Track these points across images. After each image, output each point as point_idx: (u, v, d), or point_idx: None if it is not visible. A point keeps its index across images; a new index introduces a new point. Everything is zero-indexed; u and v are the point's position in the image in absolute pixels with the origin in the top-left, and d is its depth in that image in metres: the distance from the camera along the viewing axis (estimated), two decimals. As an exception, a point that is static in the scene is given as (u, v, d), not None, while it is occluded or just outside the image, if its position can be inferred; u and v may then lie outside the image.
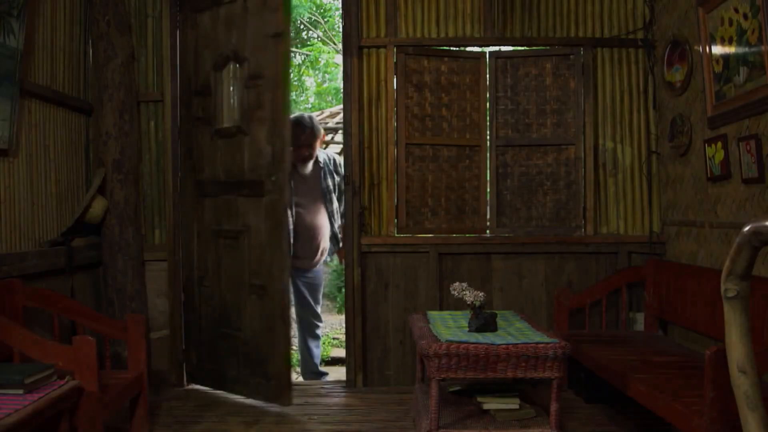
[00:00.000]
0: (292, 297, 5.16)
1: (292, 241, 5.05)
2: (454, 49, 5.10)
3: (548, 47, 5.07)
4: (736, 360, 1.80)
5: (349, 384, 4.95)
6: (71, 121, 4.47)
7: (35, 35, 3.97)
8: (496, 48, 5.22)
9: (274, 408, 4.39)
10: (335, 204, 5.50)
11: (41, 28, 4.08)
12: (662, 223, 4.95)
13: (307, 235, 5.38)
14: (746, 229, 1.77)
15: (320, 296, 5.73)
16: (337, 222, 5.50)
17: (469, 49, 5.15)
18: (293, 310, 5.36)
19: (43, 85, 4.10)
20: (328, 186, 5.44)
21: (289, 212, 4.61)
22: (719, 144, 4.00)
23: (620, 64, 5.04)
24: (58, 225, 4.29)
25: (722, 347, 1.85)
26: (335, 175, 5.51)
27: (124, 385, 3.55)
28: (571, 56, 5.04)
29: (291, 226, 5.04)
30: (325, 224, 5.49)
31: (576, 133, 5.03)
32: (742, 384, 1.77)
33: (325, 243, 5.53)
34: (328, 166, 5.49)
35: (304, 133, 5.20)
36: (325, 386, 5.05)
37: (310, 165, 5.34)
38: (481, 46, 5.17)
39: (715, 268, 4.07)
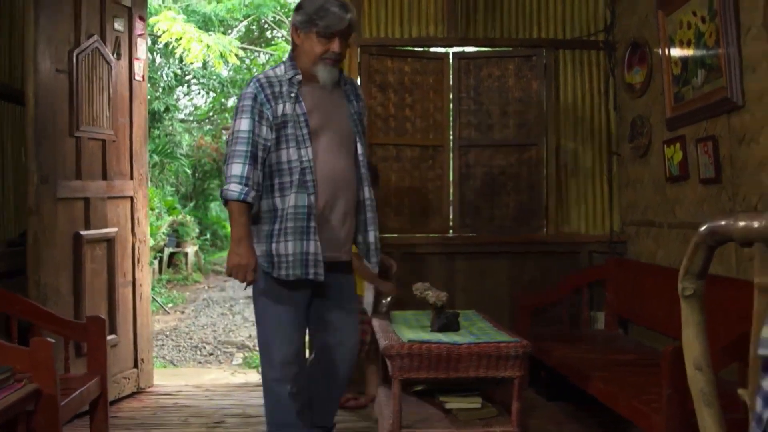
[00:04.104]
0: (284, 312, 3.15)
1: (295, 202, 3.02)
2: (418, 49, 5.12)
3: (511, 48, 5.10)
4: (692, 357, 1.82)
5: (312, 384, 4.92)
6: None
7: None
8: (460, 49, 5.24)
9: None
10: (363, 156, 3.26)
11: None
12: (622, 223, 5.01)
13: (333, 195, 3.12)
14: (702, 228, 1.80)
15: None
16: (368, 198, 3.26)
17: (432, 49, 5.18)
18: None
19: None
20: (359, 113, 3.28)
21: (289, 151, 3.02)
22: (678, 145, 4.06)
23: (582, 65, 5.09)
24: (16, 226, 4.22)
25: (679, 345, 1.88)
26: (360, 102, 3.34)
27: (84, 388, 3.50)
28: (534, 57, 5.09)
29: (296, 173, 3.02)
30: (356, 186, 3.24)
31: (538, 134, 5.08)
32: (698, 381, 1.80)
33: (353, 225, 3.26)
34: (351, 86, 3.35)
35: (343, 17, 3.04)
36: (288, 387, 5.01)
37: (335, 73, 3.14)
38: (444, 46, 5.19)
39: (673, 267, 4.12)
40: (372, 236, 3.25)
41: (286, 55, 3.20)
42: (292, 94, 3.05)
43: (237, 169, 2.95)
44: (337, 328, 3.28)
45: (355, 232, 3.26)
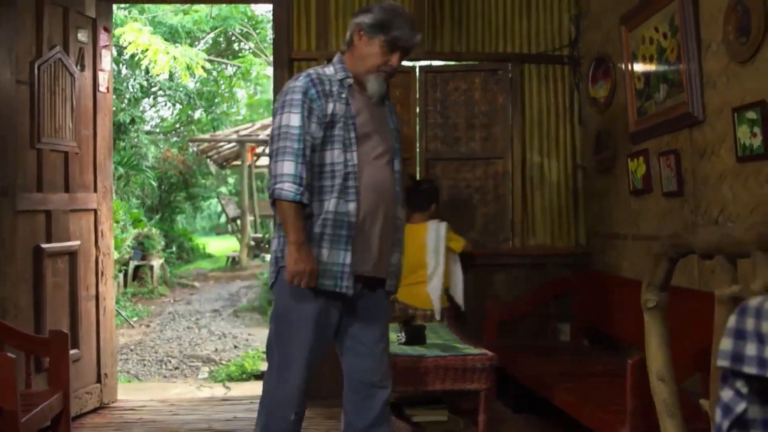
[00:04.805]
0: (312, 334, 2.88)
1: (335, 208, 2.82)
2: (385, 62, 5.12)
3: (477, 62, 5.14)
4: (655, 369, 1.85)
5: (278, 398, 4.88)
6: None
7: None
8: (427, 63, 5.27)
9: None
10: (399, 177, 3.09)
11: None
12: (588, 236, 5.06)
13: (375, 206, 2.91)
14: (664, 241, 1.83)
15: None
16: (400, 219, 3.10)
17: (399, 63, 5.18)
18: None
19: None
20: (397, 130, 3.15)
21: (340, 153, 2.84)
22: (641, 159, 4.11)
23: (547, 80, 5.13)
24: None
25: (644, 357, 1.90)
26: (396, 120, 3.21)
27: (46, 404, 3.43)
28: (500, 72, 5.13)
29: (340, 176, 2.83)
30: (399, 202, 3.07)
31: (504, 148, 5.11)
32: (661, 392, 1.82)
33: (391, 241, 3.02)
34: (389, 102, 3.19)
35: (414, 35, 2.94)
36: (255, 400, 4.96)
37: (384, 87, 3.01)
38: (411, 60, 5.20)
39: (638, 279, 4.16)
40: (395, 258, 3.03)
41: (335, 58, 3.01)
42: (343, 95, 2.88)
43: (289, 167, 2.74)
44: (368, 353, 2.99)
45: None
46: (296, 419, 2.91)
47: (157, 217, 14.89)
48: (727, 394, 1.23)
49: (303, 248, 2.73)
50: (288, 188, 2.72)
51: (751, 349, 1.16)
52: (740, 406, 1.20)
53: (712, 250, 1.68)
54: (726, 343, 1.20)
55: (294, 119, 2.78)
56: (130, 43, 10.15)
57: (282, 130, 2.79)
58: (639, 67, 4.10)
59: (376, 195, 2.89)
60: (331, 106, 2.83)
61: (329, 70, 2.94)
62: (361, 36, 2.92)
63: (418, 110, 5.15)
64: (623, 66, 4.28)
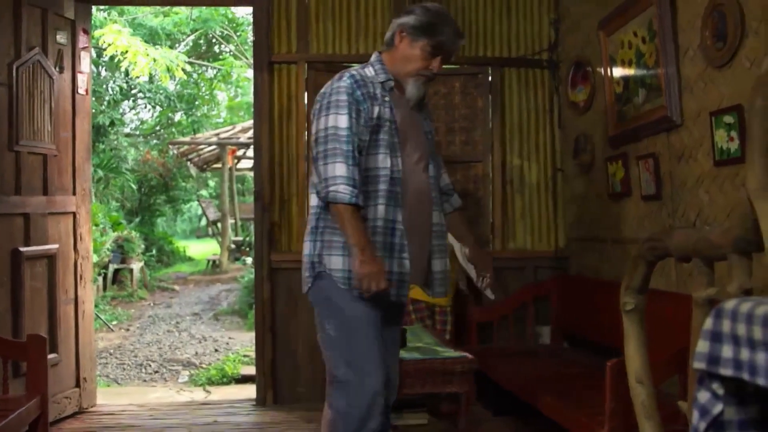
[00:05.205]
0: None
1: (384, 215, 2.74)
2: (365, 66, 5.14)
3: (457, 66, 5.15)
4: (634, 371, 1.86)
5: (259, 402, 4.88)
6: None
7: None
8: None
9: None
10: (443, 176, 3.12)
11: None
12: (567, 239, 5.08)
13: (417, 212, 2.85)
14: (642, 244, 1.84)
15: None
16: (438, 224, 2.97)
17: (380, 66, 5.20)
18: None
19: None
20: (432, 134, 3.07)
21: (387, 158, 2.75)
22: (620, 162, 4.14)
23: (527, 83, 5.16)
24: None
25: (622, 359, 1.91)
26: (431, 124, 3.12)
27: (24, 409, 3.40)
28: (479, 75, 5.14)
29: (384, 182, 2.74)
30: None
31: (484, 151, 5.13)
32: (639, 394, 1.83)
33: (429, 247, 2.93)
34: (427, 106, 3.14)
35: (457, 41, 2.89)
36: (235, 404, 4.96)
37: (423, 91, 2.93)
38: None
39: (616, 282, 4.18)
40: (438, 264, 2.90)
41: (373, 58, 2.89)
42: (386, 99, 2.78)
43: (342, 169, 2.61)
44: (389, 351, 2.88)
45: None
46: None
47: (137, 220, 14.82)
48: (703, 395, 1.24)
49: (368, 249, 2.60)
50: (344, 190, 2.60)
51: (727, 351, 1.18)
52: (717, 408, 1.22)
53: (689, 253, 1.69)
54: (702, 346, 1.22)
55: (342, 120, 2.67)
56: (109, 45, 10.09)
57: (330, 131, 2.67)
58: (618, 72, 4.13)
59: (417, 200, 2.83)
60: (376, 109, 2.73)
61: (369, 71, 2.83)
62: (402, 38, 2.82)
63: (398, 113, 5.14)
64: (602, 70, 4.31)
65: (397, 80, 2.84)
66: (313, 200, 2.80)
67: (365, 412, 2.64)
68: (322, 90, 2.79)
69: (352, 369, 2.69)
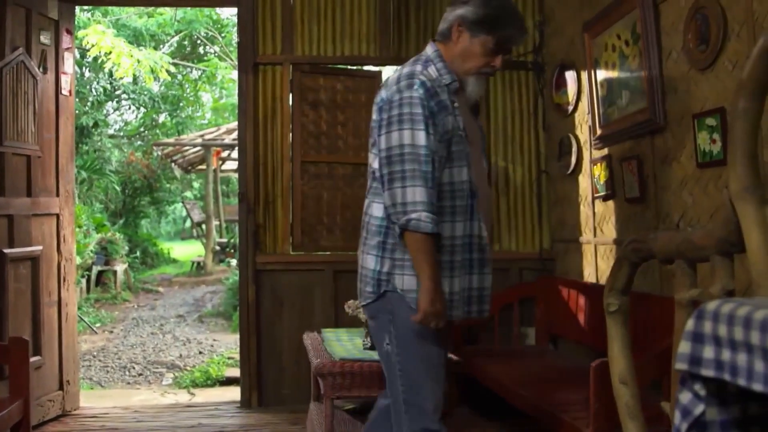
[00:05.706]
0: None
1: (470, 231, 2.57)
2: (350, 67, 5.14)
3: (442, 68, 5.15)
4: (617, 372, 1.87)
5: (243, 404, 4.87)
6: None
7: None
8: (393, 67, 5.27)
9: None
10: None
11: None
12: (552, 241, 5.10)
13: (487, 223, 2.66)
14: (626, 245, 1.85)
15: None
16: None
17: (365, 68, 5.20)
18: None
19: None
20: (485, 134, 2.96)
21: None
22: (604, 164, 4.16)
23: (511, 86, 5.18)
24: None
25: (606, 360, 1.92)
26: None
27: (5, 412, 3.38)
28: (465, 77, 5.15)
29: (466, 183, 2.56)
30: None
31: (469, 153, 5.13)
32: (623, 395, 1.84)
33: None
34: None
35: (524, 35, 2.73)
36: (220, 407, 4.95)
37: (483, 88, 2.77)
38: (376, 65, 5.22)
39: (600, 284, 4.21)
40: (489, 281, 2.64)
41: (431, 51, 2.63)
42: (455, 105, 2.54)
43: (422, 194, 2.38)
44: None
45: None
46: None
47: (121, 221, 14.75)
48: (685, 396, 1.25)
49: (440, 287, 2.42)
50: (425, 218, 2.37)
51: (708, 352, 1.18)
52: (698, 409, 1.22)
53: (672, 254, 1.71)
54: (684, 347, 1.22)
55: (420, 137, 2.41)
56: (93, 46, 10.04)
57: (406, 150, 2.41)
58: (602, 74, 4.16)
59: (485, 211, 2.63)
60: (450, 120, 2.49)
61: (432, 71, 2.55)
62: (461, 32, 2.56)
63: (384, 115, 5.14)
64: (586, 72, 4.33)
65: (458, 77, 2.59)
66: (377, 210, 2.56)
67: (436, 429, 2.54)
68: (387, 96, 2.52)
69: (414, 388, 2.54)
